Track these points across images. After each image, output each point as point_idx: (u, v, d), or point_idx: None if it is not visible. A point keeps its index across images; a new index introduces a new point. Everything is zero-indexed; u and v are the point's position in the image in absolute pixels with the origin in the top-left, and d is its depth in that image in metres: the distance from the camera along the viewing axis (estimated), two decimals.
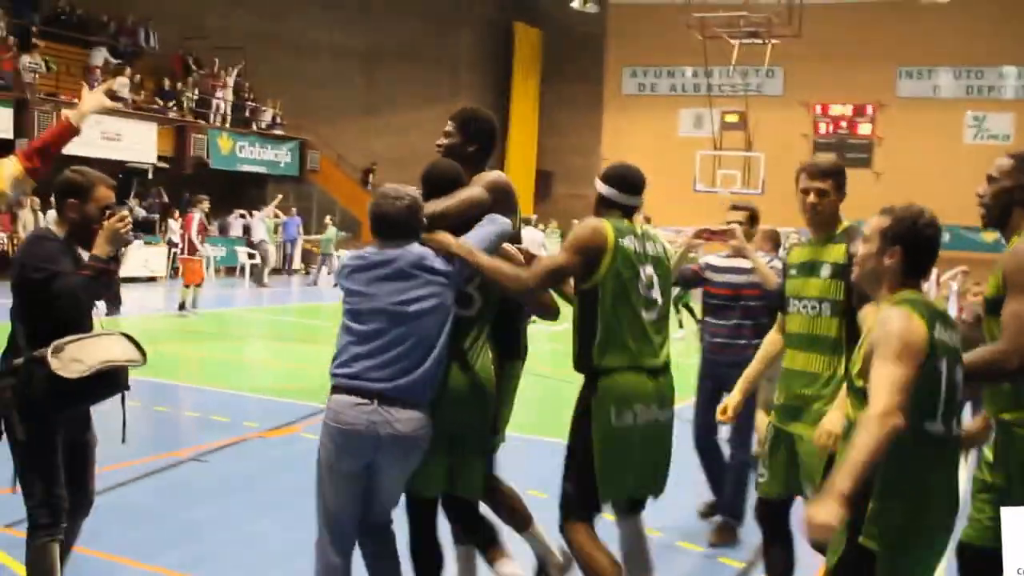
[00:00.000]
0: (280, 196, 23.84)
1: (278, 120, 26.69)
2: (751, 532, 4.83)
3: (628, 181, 3.75)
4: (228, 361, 12.41)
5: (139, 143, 22.36)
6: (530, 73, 35.58)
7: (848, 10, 32.24)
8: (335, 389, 3.37)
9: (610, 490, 3.53)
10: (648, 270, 3.56)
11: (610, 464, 3.49)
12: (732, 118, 28.85)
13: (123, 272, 20.53)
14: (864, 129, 34.51)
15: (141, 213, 22.16)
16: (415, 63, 31.81)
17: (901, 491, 2.73)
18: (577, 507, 3.55)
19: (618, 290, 3.49)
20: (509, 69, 35.17)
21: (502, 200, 3.65)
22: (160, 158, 23.13)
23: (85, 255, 3.56)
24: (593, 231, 3.53)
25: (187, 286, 15.57)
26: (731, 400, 4.12)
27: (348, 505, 3.39)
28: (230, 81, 25.45)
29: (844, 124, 34.89)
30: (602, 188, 3.74)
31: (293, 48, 27.90)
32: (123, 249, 3.70)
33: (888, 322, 2.74)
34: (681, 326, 14.20)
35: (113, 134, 21.73)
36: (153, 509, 5.64)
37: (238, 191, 25.40)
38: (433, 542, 3.63)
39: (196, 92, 24.79)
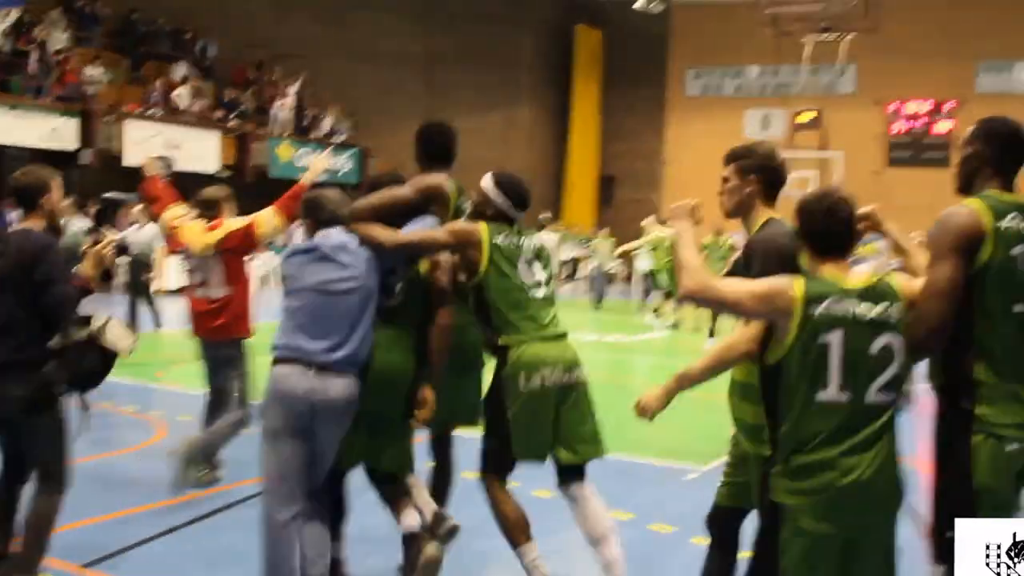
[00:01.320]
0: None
1: (337, 128, 26.30)
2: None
3: (519, 193, 4.23)
4: None
5: (201, 152, 22.10)
6: (591, 76, 34.84)
7: (925, 2, 30.98)
8: (276, 361, 3.78)
9: (520, 450, 3.91)
10: (527, 258, 4.03)
11: (519, 426, 3.88)
12: (805, 118, 27.75)
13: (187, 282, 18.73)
14: (941, 127, 33.12)
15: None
16: (475, 68, 31.29)
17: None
18: (492, 464, 3.98)
19: (501, 278, 3.95)
20: (570, 72, 34.48)
21: (438, 202, 4.13)
22: (222, 167, 22.85)
23: None
24: (472, 229, 4.03)
25: None
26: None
27: (293, 464, 3.68)
28: (291, 89, 25.12)
29: (920, 122, 33.61)
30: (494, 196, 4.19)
31: (351, 55, 27.55)
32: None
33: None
34: (712, 335, 13.41)
35: (175, 144, 21.48)
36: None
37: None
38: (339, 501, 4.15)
39: (256, 101, 24.51)
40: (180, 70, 23.02)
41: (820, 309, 2.81)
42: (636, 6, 28.19)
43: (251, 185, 23.98)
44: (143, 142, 20.79)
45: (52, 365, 3.84)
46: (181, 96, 22.29)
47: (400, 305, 4.02)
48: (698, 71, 34.85)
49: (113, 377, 4.10)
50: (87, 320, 3.96)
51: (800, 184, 27.58)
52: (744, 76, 34.35)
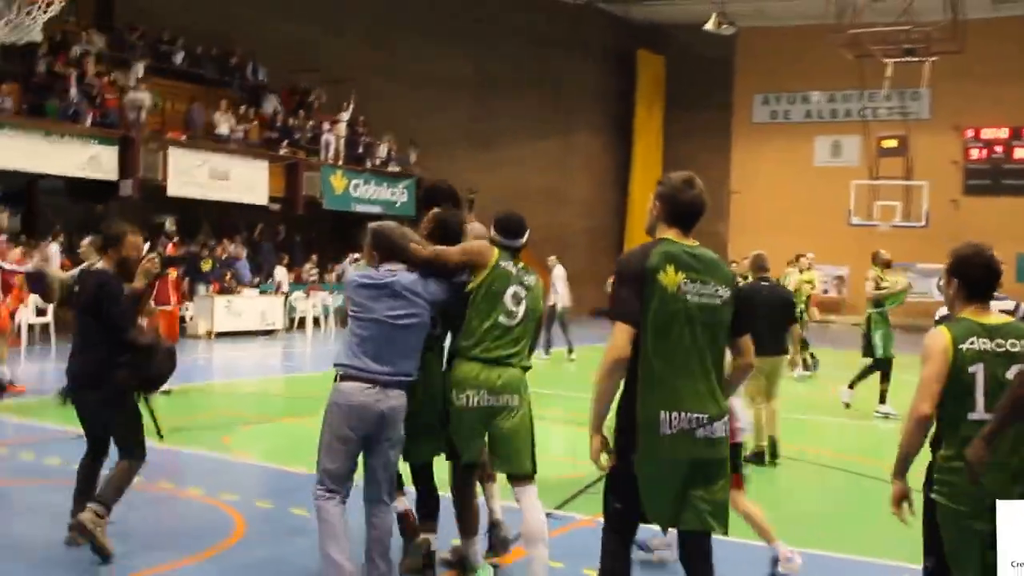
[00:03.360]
0: None
1: (392, 155, 24.70)
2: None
3: (509, 227, 4.68)
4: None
5: (250, 182, 20.58)
6: (654, 102, 33.20)
7: (1002, 25, 29.04)
8: (343, 377, 4.39)
9: (462, 452, 4.56)
10: (514, 289, 4.49)
11: (456, 434, 4.54)
12: (890, 143, 25.80)
13: (239, 326, 17.44)
14: (1021, 153, 31.15)
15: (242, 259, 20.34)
16: (530, 93, 29.73)
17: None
18: (452, 454, 4.65)
19: (486, 297, 4.47)
20: (631, 99, 32.85)
21: (480, 266, 4.60)
22: (271, 199, 21.31)
23: None
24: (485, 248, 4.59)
25: None
26: None
27: (344, 464, 4.39)
28: (344, 116, 23.60)
29: (999, 148, 31.61)
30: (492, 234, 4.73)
31: (402, 80, 26.05)
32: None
33: None
34: (807, 367, 13.56)
35: (222, 173, 19.98)
36: None
37: (351, 233, 23.41)
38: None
39: (307, 127, 23.01)
40: (226, 95, 21.58)
41: (965, 346, 3.46)
42: (707, 27, 26.45)
43: (302, 218, 22.45)
44: (188, 171, 19.30)
45: (124, 372, 5.10)
46: (227, 122, 20.84)
47: (439, 334, 4.71)
48: (766, 96, 33.10)
49: None
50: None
51: (886, 214, 25.69)
52: (813, 101, 32.54)
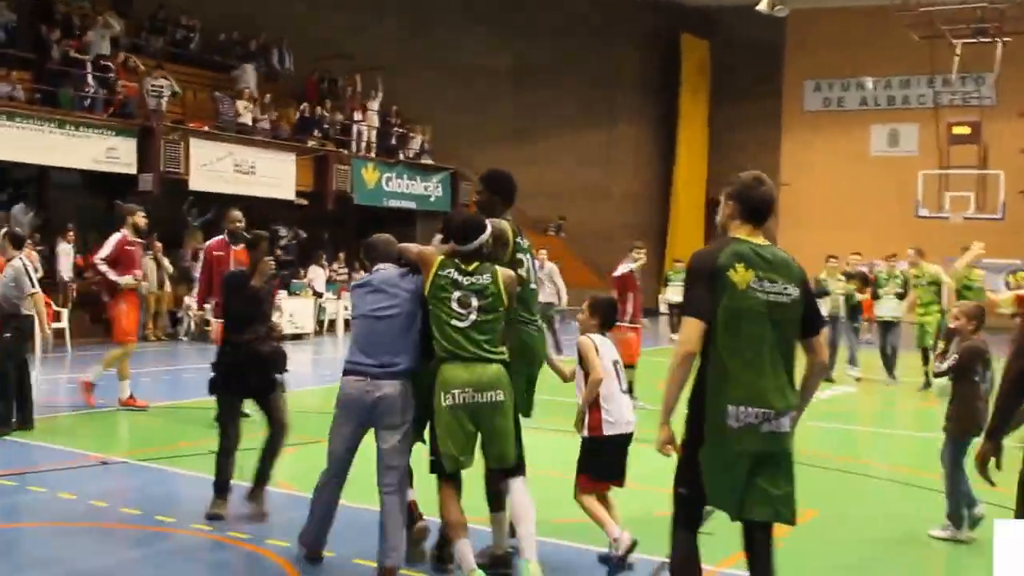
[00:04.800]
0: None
1: (426, 148, 23.29)
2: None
3: (458, 232, 4.69)
4: None
5: (276, 176, 19.25)
6: (699, 90, 31.60)
7: None
8: (344, 373, 4.81)
9: (444, 454, 4.55)
10: (459, 294, 4.55)
11: (440, 436, 4.56)
12: (962, 130, 24.03)
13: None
14: None
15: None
16: (570, 82, 28.28)
17: None
18: (434, 467, 4.65)
19: (435, 303, 4.58)
20: (675, 86, 31.25)
21: (501, 242, 4.79)
22: (299, 193, 19.97)
23: None
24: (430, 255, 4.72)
25: None
26: None
27: (343, 448, 4.82)
28: (374, 105, 22.23)
29: None
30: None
31: (436, 68, 24.70)
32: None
33: None
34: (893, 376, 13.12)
35: (247, 167, 18.67)
36: None
37: (382, 230, 22.00)
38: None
39: (338, 118, 21.64)
40: (251, 83, 20.29)
41: None
42: (759, 7, 24.83)
43: (333, 214, 21.09)
44: (210, 164, 17.99)
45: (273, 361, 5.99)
46: (252, 112, 19.54)
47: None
48: (817, 82, 31.40)
49: None
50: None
51: (958, 205, 23.98)
52: (869, 87, 30.78)
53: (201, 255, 9.94)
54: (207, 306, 9.25)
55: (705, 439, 3.47)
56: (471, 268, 4.56)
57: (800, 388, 3.59)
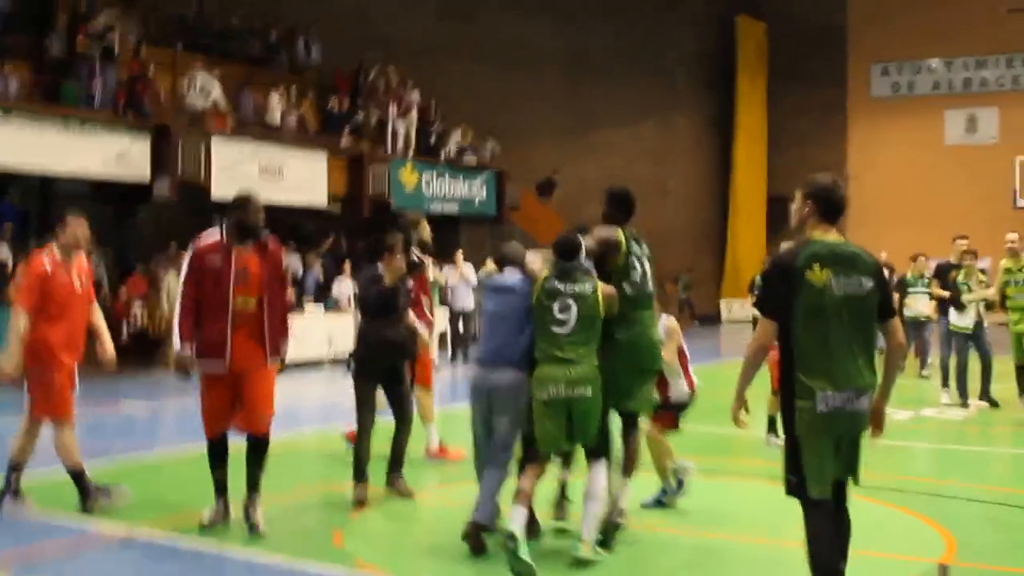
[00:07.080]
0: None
1: (469, 145, 21.19)
2: None
3: (559, 248, 5.28)
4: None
5: (306, 180, 17.23)
6: (756, 76, 29.37)
7: None
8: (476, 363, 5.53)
9: (540, 441, 5.19)
10: (562, 301, 5.14)
11: (538, 425, 5.17)
12: None
13: (303, 354, 13.83)
14: None
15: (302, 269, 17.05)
16: (623, 69, 26.13)
17: None
18: (527, 452, 5.29)
19: (539, 310, 5.19)
20: (731, 72, 29.02)
21: (613, 251, 5.36)
22: (331, 198, 17.93)
23: None
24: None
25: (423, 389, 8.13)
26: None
27: (480, 429, 5.35)
28: (412, 98, 20.13)
29: None
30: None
31: (481, 56, 22.65)
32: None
33: None
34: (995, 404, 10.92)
35: (274, 169, 16.66)
36: None
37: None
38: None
39: (372, 114, 19.57)
40: (277, 76, 18.27)
41: None
42: None
43: (368, 220, 18.99)
44: (233, 167, 15.96)
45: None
46: (278, 109, 17.54)
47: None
48: (885, 66, 29.03)
49: None
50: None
51: None
52: (942, 71, 28.42)
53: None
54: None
55: (796, 427, 3.83)
56: (572, 280, 5.15)
57: (883, 369, 3.96)
